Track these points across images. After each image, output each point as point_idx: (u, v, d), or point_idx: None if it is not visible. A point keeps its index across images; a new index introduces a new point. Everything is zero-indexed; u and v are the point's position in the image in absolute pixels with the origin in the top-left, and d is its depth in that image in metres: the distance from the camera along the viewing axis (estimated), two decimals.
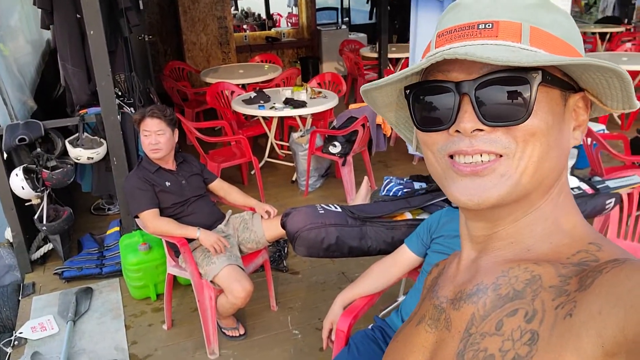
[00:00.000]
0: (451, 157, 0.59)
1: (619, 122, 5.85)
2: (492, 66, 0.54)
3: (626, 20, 9.75)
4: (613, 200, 2.32)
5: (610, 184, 2.40)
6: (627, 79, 0.53)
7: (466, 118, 0.56)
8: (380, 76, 6.52)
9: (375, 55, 6.85)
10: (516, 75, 0.54)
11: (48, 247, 3.49)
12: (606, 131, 4.28)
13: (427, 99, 0.59)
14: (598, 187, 2.34)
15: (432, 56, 0.54)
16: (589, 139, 3.48)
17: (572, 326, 0.48)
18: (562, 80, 0.57)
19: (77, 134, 3.34)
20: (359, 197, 2.63)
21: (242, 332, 2.74)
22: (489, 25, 0.56)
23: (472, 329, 0.59)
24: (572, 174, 2.61)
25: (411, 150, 3.38)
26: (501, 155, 0.56)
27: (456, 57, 0.52)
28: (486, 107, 0.55)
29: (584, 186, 2.33)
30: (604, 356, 0.45)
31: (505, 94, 0.55)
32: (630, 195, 2.66)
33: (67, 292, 3.13)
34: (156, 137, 2.61)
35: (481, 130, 0.56)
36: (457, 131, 0.57)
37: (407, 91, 0.62)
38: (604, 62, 0.51)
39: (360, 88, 0.66)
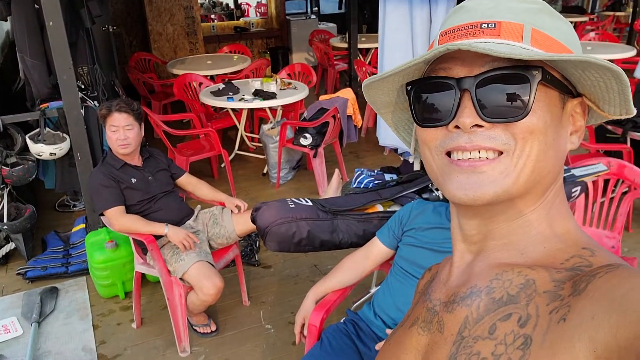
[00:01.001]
0: (448, 155, 0.59)
1: None
2: (493, 64, 0.56)
3: (589, 10, 9.97)
4: (579, 188, 2.36)
5: (576, 172, 2.44)
6: (625, 81, 0.53)
7: (466, 113, 0.56)
8: (350, 66, 6.51)
9: (345, 45, 6.83)
10: (517, 73, 0.55)
11: (10, 246, 3.37)
12: None
13: (428, 94, 0.60)
14: (564, 175, 2.37)
15: (436, 49, 0.55)
16: None
17: (566, 331, 0.48)
18: (561, 83, 0.58)
19: (38, 129, 3.23)
20: (330, 189, 2.62)
21: (213, 328, 2.71)
22: (491, 25, 0.57)
23: (465, 332, 0.58)
24: None
25: (382, 142, 3.38)
26: (501, 153, 0.57)
27: (459, 48, 0.53)
28: (486, 103, 0.56)
29: None
30: None
31: (505, 90, 0.55)
32: (595, 183, 2.72)
33: (31, 293, 3.04)
34: (125, 132, 2.53)
35: (480, 126, 0.56)
36: (457, 127, 0.58)
37: (409, 87, 0.62)
38: (603, 61, 0.51)
39: (362, 83, 0.66)
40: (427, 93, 0.60)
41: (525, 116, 0.55)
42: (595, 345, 0.44)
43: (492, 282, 0.59)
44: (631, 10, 9.27)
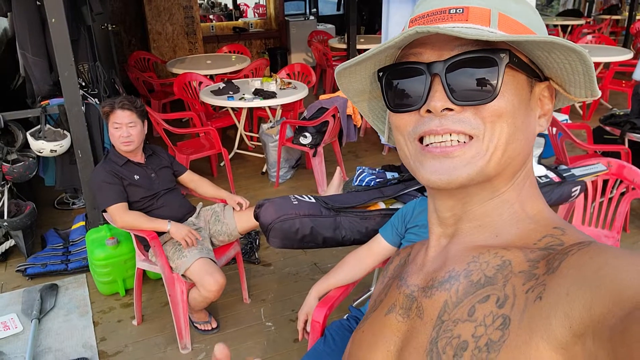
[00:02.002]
0: (421, 141, 0.60)
1: (581, 112, 6.01)
2: (462, 47, 0.57)
3: (586, 13, 10.02)
4: (579, 188, 2.38)
5: (576, 172, 2.46)
6: (589, 62, 0.55)
7: (436, 97, 0.57)
8: None
9: (344, 46, 6.85)
10: (485, 56, 0.56)
11: (10, 243, 3.37)
12: (569, 121, 4.39)
13: (400, 80, 0.61)
14: (564, 175, 2.39)
15: (406, 33, 0.56)
16: (554, 129, 3.57)
17: (542, 309, 0.49)
18: (529, 67, 0.60)
19: (38, 126, 3.23)
20: (332, 187, 2.63)
21: (214, 325, 2.71)
22: (459, 10, 0.58)
23: (445, 315, 0.59)
24: (539, 162, 2.66)
25: (384, 140, 3.40)
26: (471, 137, 0.58)
27: (428, 31, 0.54)
28: (456, 86, 0.57)
29: (551, 174, 2.38)
30: (572, 336, 0.45)
31: (474, 74, 0.57)
32: (594, 182, 2.74)
33: (31, 290, 3.03)
34: (128, 130, 2.53)
35: (451, 110, 0.58)
36: (428, 111, 0.59)
37: (380, 73, 0.63)
38: (567, 41, 0.53)
39: (335, 70, 0.66)
40: (399, 79, 0.61)
41: (494, 99, 0.56)
42: (571, 322, 0.45)
43: (470, 265, 0.60)
44: (627, 14, 9.34)
